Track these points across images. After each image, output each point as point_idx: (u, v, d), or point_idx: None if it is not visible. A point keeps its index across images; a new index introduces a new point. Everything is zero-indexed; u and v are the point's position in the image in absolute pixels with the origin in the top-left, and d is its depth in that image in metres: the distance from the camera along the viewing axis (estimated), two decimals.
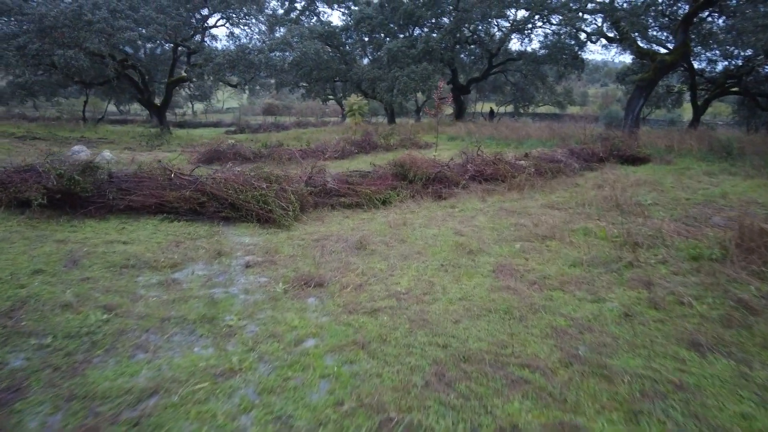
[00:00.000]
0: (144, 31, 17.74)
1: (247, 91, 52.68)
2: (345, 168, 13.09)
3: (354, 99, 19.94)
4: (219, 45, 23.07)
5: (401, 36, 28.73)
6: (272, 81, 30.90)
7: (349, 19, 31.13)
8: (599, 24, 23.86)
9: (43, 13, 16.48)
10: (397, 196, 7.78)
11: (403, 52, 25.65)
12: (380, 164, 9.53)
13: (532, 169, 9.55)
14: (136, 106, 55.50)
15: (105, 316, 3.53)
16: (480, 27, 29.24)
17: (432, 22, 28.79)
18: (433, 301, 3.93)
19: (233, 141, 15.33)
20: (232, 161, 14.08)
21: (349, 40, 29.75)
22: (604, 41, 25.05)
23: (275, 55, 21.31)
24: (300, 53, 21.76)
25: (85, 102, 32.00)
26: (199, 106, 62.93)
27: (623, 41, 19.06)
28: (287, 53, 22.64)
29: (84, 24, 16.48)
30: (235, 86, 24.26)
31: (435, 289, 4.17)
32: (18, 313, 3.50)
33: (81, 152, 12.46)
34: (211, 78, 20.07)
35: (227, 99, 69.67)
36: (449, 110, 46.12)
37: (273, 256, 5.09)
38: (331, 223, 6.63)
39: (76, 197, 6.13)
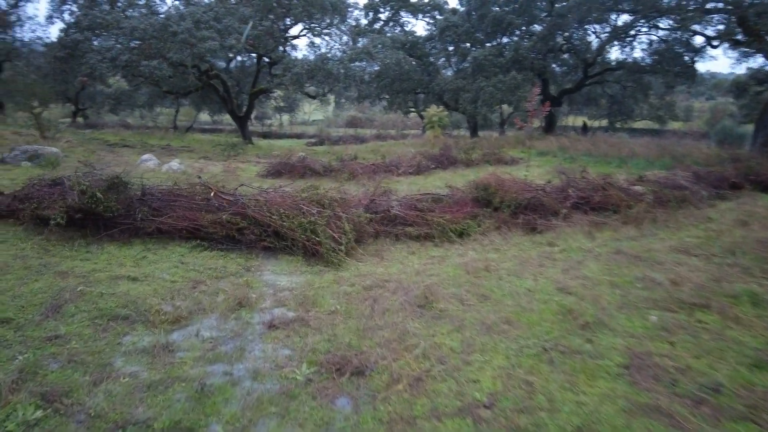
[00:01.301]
0: (226, 41, 17.63)
1: (332, 103, 53.26)
2: (419, 185, 11.78)
3: (433, 110, 18.61)
4: (299, 55, 23.23)
5: (488, 44, 27.04)
6: (354, 94, 30.44)
7: (433, 28, 30.00)
8: (716, 25, 20.72)
9: (135, 26, 16.85)
10: (478, 226, 6.28)
11: (490, 61, 23.97)
12: (458, 185, 8.05)
13: (651, 197, 7.62)
14: (227, 117, 58.23)
15: (37, 414, 2.41)
16: (575, 34, 26.80)
17: (522, 30, 26.83)
18: (536, 430, 2.41)
19: (303, 154, 14.51)
20: (301, 175, 13.32)
21: (433, 50, 28.52)
22: (722, 45, 21.73)
23: (355, 65, 20.54)
24: (381, 63, 20.82)
25: (176, 111, 33.41)
26: (286, 118, 64.83)
27: (756, 42, 16.10)
28: (368, 63, 21.83)
29: (169, 35, 16.62)
30: (313, 97, 23.85)
31: (536, 401, 2.65)
32: None
33: (149, 161, 12.18)
34: (290, 88, 19.67)
35: (314, 111, 71.32)
36: (536, 123, 43.41)
37: (308, 312, 3.81)
38: (392, 261, 5.27)
39: (99, 217, 5.29)
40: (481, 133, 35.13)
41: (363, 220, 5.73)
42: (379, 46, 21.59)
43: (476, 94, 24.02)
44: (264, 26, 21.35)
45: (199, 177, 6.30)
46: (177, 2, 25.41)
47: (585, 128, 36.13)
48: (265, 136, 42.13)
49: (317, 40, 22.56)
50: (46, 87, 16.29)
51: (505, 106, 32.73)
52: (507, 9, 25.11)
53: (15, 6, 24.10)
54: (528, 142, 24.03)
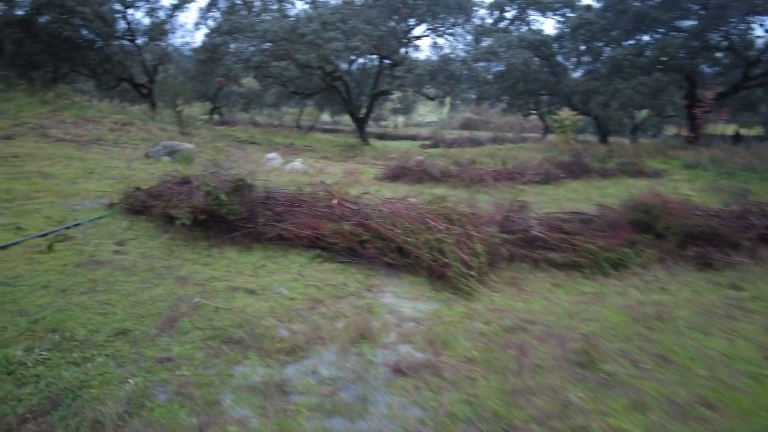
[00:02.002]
0: (350, 42, 17.75)
1: (447, 104, 52.53)
2: (549, 197, 10.64)
3: (566, 113, 17.07)
4: (422, 56, 22.91)
5: (626, 43, 24.45)
6: (472, 95, 29.42)
7: (563, 26, 27.94)
8: None
9: (267, 29, 17.63)
10: (637, 257, 5.20)
11: (629, 61, 21.59)
12: (602, 201, 6.92)
13: None
14: (347, 117, 60.18)
15: None
16: (737, 29, 23.18)
17: (669, 26, 23.83)
18: None
19: (422, 158, 13.98)
20: (419, 179, 12.81)
21: (563, 50, 26.52)
22: None
23: (479, 65, 19.64)
24: (507, 63, 19.68)
25: (301, 111, 34.92)
26: (401, 119, 65.27)
27: None
28: (492, 64, 20.78)
29: (297, 37, 17.12)
30: (433, 99, 23.34)
31: None
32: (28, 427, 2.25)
33: (274, 160, 12.47)
34: (410, 90, 19.33)
35: (428, 113, 71.11)
36: (671, 130, 38.67)
37: (439, 356, 3.18)
38: (534, 295, 4.45)
39: (222, 219, 5.15)
40: (610, 140, 32.11)
41: (498, 241, 4.97)
42: (505, 45, 20.42)
43: (611, 97, 21.78)
44: (387, 27, 21.27)
45: (323, 183, 5.99)
46: (305, 6, 26.51)
47: (737, 137, 31.39)
48: (381, 137, 42.61)
49: (440, 41, 22.00)
50: (189, 87, 17.72)
51: (642, 111, 29.55)
52: (651, 3, 22.44)
53: (171, 16, 26.82)
54: (670, 151, 21.34)
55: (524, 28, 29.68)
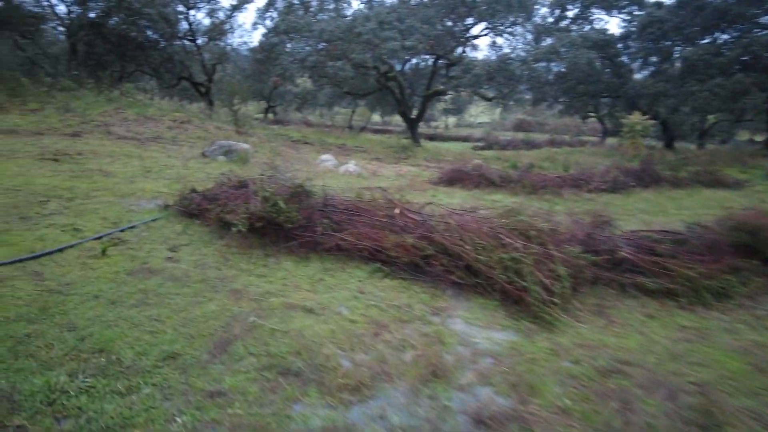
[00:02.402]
0: (406, 42, 17.36)
1: (501, 106, 51.39)
2: (619, 207, 9.87)
3: (636, 117, 15.97)
4: (480, 56, 22.17)
5: (702, 41, 22.77)
6: (527, 96, 28.33)
7: (629, 25, 26.42)
8: None
9: (323, 29, 17.52)
10: (744, 286, 4.49)
11: (705, 61, 20.04)
12: (695, 221, 6.16)
13: None
14: (397, 117, 59.83)
15: None
16: None
17: (752, 22, 22.00)
18: None
19: (480, 161, 13.40)
20: (476, 185, 12.25)
21: (631, 49, 25.04)
22: None
23: (539, 65, 18.76)
24: (569, 63, 18.71)
25: (353, 112, 34.89)
26: (452, 120, 64.29)
27: None
28: (553, 64, 19.84)
29: (354, 36, 16.90)
30: (489, 100, 22.60)
31: None
32: None
33: (328, 161, 12.25)
34: (466, 91, 18.72)
35: (480, 114, 69.72)
36: (744, 135, 35.88)
37: (526, 404, 2.71)
38: (626, 327, 3.87)
39: (279, 227, 4.86)
40: (675, 145, 30.12)
41: (583, 262, 4.41)
42: (568, 45, 19.42)
43: (683, 100, 20.36)
44: (444, 26, 20.74)
45: (383, 190, 5.60)
46: (361, 5, 26.38)
47: None
48: (432, 138, 41.99)
49: (499, 40, 21.24)
50: (245, 86, 17.90)
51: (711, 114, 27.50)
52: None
53: (230, 17, 27.40)
54: (749, 159, 19.76)
55: (587, 27, 28.34)
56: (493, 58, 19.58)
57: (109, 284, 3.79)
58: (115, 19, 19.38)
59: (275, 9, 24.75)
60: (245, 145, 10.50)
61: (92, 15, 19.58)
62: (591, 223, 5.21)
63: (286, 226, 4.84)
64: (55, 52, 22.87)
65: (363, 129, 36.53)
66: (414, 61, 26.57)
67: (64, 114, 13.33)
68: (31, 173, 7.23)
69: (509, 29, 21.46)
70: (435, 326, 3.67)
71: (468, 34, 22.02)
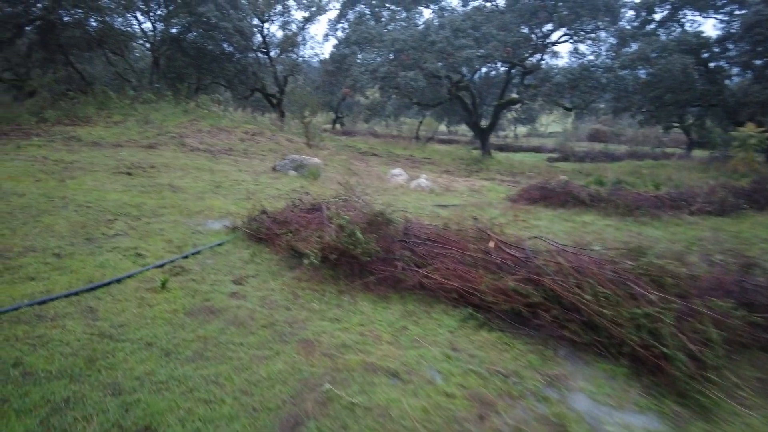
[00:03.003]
0: (482, 50, 16.51)
1: (575, 115, 49.01)
2: (733, 234, 8.51)
3: (750, 128, 14.12)
4: (560, 63, 20.79)
5: None
6: (601, 105, 26.36)
7: (728, 26, 23.97)
8: None
9: (395, 38, 17.05)
10: None
11: None
12: None
13: None
14: (463, 127, 58.52)
15: None
16: None
17: None
18: None
19: (566, 177, 12.27)
20: (562, 203, 11.19)
21: (730, 52, 22.67)
22: None
23: (626, 73, 17.24)
24: (660, 69, 17.05)
25: (420, 122, 34.30)
26: (521, 129, 62.08)
27: None
28: (641, 71, 18.20)
29: (427, 45, 16.28)
30: (570, 109, 21.18)
31: None
32: None
33: (399, 176, 11.64)
34: (546, 100, 17.54)
35: (551, 123, 66.91)
36: None
37: None
38: None
39: (355, 260, 4.23)
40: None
41: (737, 321, 3.43)
42: (658, 49, 17.74)
43: None
44: (521, 33, 19.68)
45: (475, 218, 4.83)
46: (432, 14, 25.78)
47: None
48: (502, 148, 40.51)
49: (581, 46, 19.83)
50: (315, 98, 17.78)
51: None
52: None
53: (302, 29, 27.78)
54: None
55: (677, 30, 26.08)
56: (574, 65, 18.23)
57: (166, 327, 3.30)
58: (194, 33, 20.00)
59: (346, 20, 24.72)
60: (316, 160, 10.11)
61: (174, 30, 20.31)
62: (736, 265, 4.16)
63: (363, 259, 4.20)
64: (141, 67, 24.08)
65: (430, 139, 35.82)
66: (484, 70, 25.64)
67: (143, 126, 13.66)
68: (105, 188, 7.12)
69: (592, 34, 20.01)
70: (553, 405, 2.86)
71: (546, 41, 20.77)
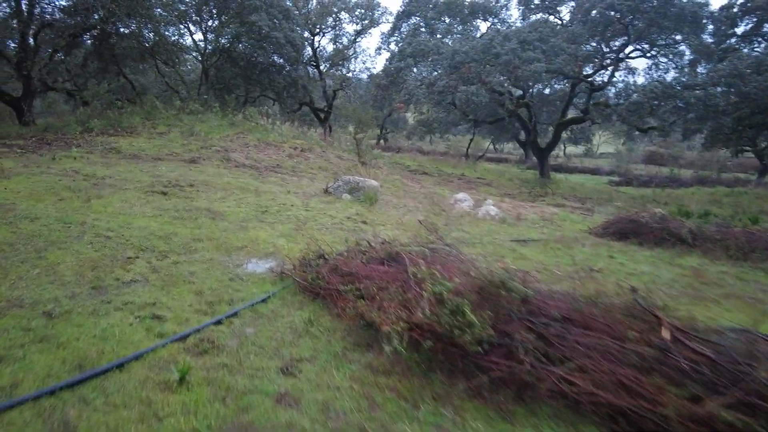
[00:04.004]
0: (552, 64, 14.99)
1: (627, 135, 46.23)
2: None
3: None
4: (636, 80, 18.81)
5: None
6: (652, 123, 24.02)
7: None
8: None
9: (456, 50, 15.78)
10: None
11: None
12: None
13: None
14: (509, 145, 56.35)
15: None
16: None
17: None
18: None
19: (661, 211, 10.52)
20: (658, 242, 9.51)
21: None
22: None
23: (717, 90, 15.29)
24: (756, 88, 15.04)
25: (471, 140, 32.83)
26: (571, 149, 59.41)
27: None
28: (731, 88, 16.18)
29: (491, 57, 14.92)
30: (645, 131, 19.25)
31: None
32: None
33: (463, 202, 10.24)
34: (621, 120, 15.78)
35: (603, 143, 63.84)
36: None
37: None
38: None
39: (459, 349, 2.87)
40: None
41: None
42: (753, 66, 15.71)
43: None
44: (591, 46, 18.05)
45: (633, 290, 3.37)
46: (489, 28, 24.44)
47: None
48: (555, 169, 38.39)
49: (663, 60, 17.93)
50: (370, 113, 16.69)
51: None
52: None
53: (353, 42, 27.02)
54: None
55: (762, 45, 23.66)
56: (652, 82, 16.37)
57: None
58: (244, 44, 19.43)
59: (400, 33, 23.73)
60: (373, 182, 8.87)
61: (224, 40, 19.81)
62: None
63: (472, 349, 2.83)
64: (192, 78, 23.83)
65: (480, 158, 34.19)
66: (540, 86, 23.98)
67: (187, 138, 12.86)
68: (133, 211, 6.07)
69: (673, 48, 18.10)
70: None
71: (620, 55, 18.99)
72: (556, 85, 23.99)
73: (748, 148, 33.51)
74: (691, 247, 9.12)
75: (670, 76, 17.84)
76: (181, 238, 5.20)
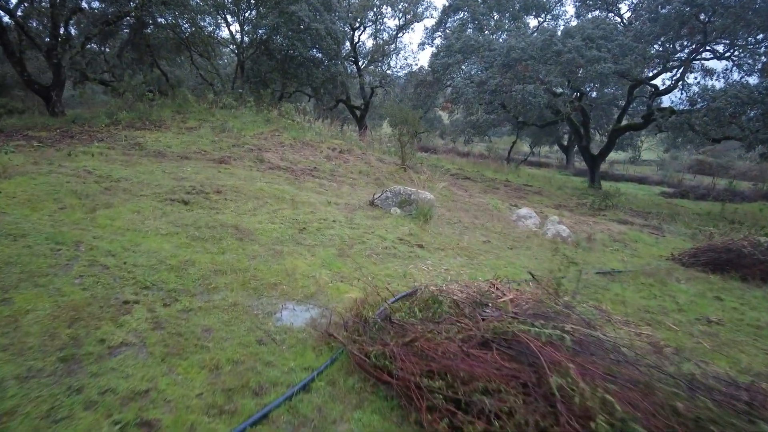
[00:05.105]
0: (620, 64, 13.36)
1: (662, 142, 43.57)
2: None
3: None
4: (715, 84, 16.82)
5: None
6: (733, 133, 21.78)
7: None
8: None
9: (512, 46, 14.30)
10: None
11: None
12: None
13: None
14: (546, 148, 53.96)
15: None
16: None
17: None
18: None
19: (766, 240, 8.87)
20: (763, 276, 7.93)
21: None
22: None
23: None
24: None
25: (514, 143, 31.13)
26: (613, 155, 56.50)
27: None
28: None
29: (552, 55, 13.39)
30: (718, 141, 17.31)
31: None
32: None
33: (528, 219, 8.82)
34: (695, 129, 13.98)
35: (645, 150, 60.65)
36: None
37: None
38: None
39: None
40: None
41: None
42: None
43: None
44: (660, 46, 16.27)
45: None
46: (540, 24, 22.80)
47: None
48: (601, 177, 36.18)
49: (747, 62, 15.97)
50: (418, 114, 15.38)
51: None
52: None
53: (395, 38, 25.72)
54: None
55: None
56: (737, 86, 14.49)
57: None
58: (282, 36, 18.42)
59: (445, 28, 22.32)
60: (428, 195, 7.57)
61: (261, 31, 18.83)
62: None
63: None
64: (228, 72, 23.02)
65: (522, 162, 32.42)
66: (597, 88, 22.16)
67: (218, 134, 11.83)
68: (144, 226, 4.95)
69: (750, 49, 16.13)
70: None
71: (692, 56, 17.08)
72: (606, 89, 22.20)
73: None
74: None
75: (753, 80, 15.94)
76: (198, 269, 4.03)
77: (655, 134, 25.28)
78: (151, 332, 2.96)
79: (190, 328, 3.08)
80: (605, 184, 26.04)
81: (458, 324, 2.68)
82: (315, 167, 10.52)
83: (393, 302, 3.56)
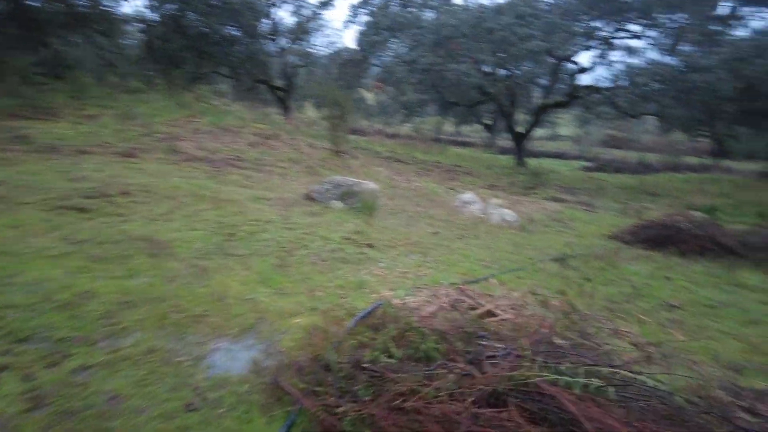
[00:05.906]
0: (551, 42, 13.32)
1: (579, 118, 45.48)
2: None
3: None
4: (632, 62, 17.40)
5: None
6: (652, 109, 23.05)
7: None
8: None
9: (443, 23, 13.82)
10: None
11: None
12: None
13: None
14: (467, 128, 54.91)
15: None
16: None
17: None
18: None
19: (703, 215, 9.10)
20: (700, 251, 8.11)
21: None
22: None
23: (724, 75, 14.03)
24: (760, 73, 13.99)
25: (439, 123, 31.03)
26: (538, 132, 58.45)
27: None
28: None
29: (484, 32, 13.07)
30: (634, 116, 17.96)
31: None
32: None
33: (472, 204, 8.44)
34: (618, 107, 14.34)
35: (560, 125, 63.61)
36: None
37: None
38: None
39: None
40: None
41: None
42: (759, 50, 14.63)
43: None
44: (584, 24, 16.53)
45: None
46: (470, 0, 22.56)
47: None
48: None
49: (664, 42, 16.50)
50: (344, 93, 14.51)
51: None
52: None
53: (316, 15, 24.41)
54: None
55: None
56: (654, 63, 14.98)
57: None
58: (194, 13, 16.70)
59: (370, 6, 21.46)
60: (371, 185, 6.90)
61: (171, 6, 16.99)
62: None
63: None
64: (135, 52, 20.73)
65: (449, 142, 32.47)
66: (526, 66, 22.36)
67: (123, 122, 10.39)
68: (25, 248, 3.88)
69: (667, 28, 16.76)
70: None
71: (617, 34, 17.47)
72: (528, 67, 22.51)
73: (705, 132, 33.51)
74: (742, 258, 7.81)
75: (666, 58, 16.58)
76: (100, 302, 3.12)
77: (583, 111, 26.12)
78: (26, 416, 2.09)
79: (87, 400, 2.24)
80: (530, 161, 26.75)
81: (455, 371, 2.07)
82: (238, 156, 9.49)
83: (355, 326, 2.92)
